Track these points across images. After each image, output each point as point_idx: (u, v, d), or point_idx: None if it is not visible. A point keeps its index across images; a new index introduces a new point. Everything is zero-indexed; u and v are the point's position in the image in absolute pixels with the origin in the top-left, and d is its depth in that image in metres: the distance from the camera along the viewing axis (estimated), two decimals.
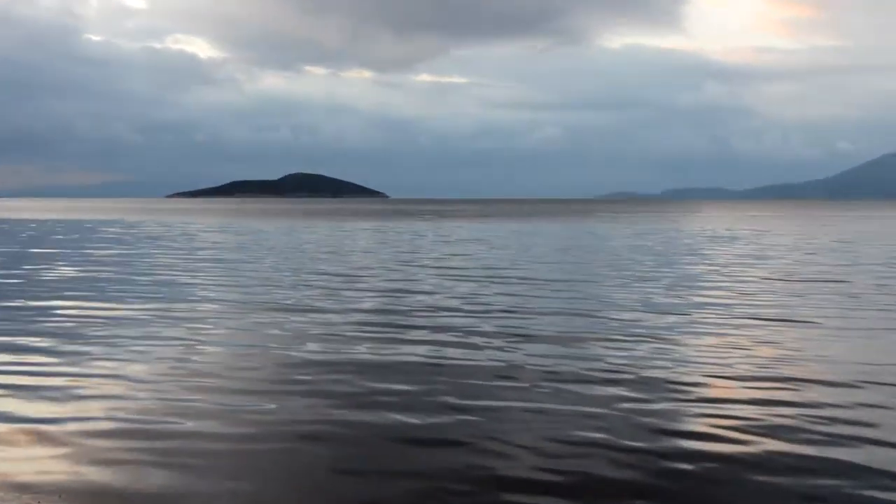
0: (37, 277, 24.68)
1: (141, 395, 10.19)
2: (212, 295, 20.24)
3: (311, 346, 13.42)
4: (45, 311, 17.44)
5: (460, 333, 14.54)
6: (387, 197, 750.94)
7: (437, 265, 28.79)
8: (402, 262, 29.96)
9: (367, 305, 18.29)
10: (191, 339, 13.92)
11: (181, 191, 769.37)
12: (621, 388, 10.42)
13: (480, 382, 10.80)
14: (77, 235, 51.78)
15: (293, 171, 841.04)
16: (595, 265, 29.15)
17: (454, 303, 18.66)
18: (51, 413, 9.34)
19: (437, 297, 19.78)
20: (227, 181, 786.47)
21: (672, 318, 16.37)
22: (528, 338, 14.07)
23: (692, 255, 34.37)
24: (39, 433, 8.60)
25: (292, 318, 16.29)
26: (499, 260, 31.42)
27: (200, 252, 35.91)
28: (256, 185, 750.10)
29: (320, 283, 23.03)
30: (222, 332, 14.89)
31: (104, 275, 25.48)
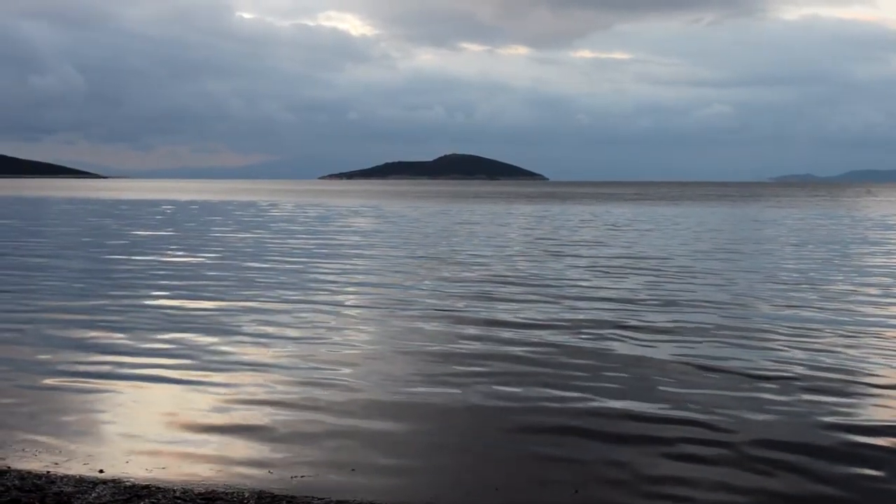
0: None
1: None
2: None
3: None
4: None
5: None
6: (545, 179, 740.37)
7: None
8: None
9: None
10: None
11: (334, 172, 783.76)
12: None
13: None
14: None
15: (447, 151, 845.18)
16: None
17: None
18: None
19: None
20: (381, 162, 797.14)
21: None
22: None
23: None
24: None
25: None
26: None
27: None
28: (410, 167, 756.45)
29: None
30: None
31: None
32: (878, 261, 24.96)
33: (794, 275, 21.14)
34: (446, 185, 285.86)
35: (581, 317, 14.72)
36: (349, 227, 42.04)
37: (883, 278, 20.50)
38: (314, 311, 15.34)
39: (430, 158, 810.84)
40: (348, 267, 22.84)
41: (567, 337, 12.93)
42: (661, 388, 9.94)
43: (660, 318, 14.57)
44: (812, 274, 21.36)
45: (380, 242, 31.60)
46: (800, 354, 11.65)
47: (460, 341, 12.61)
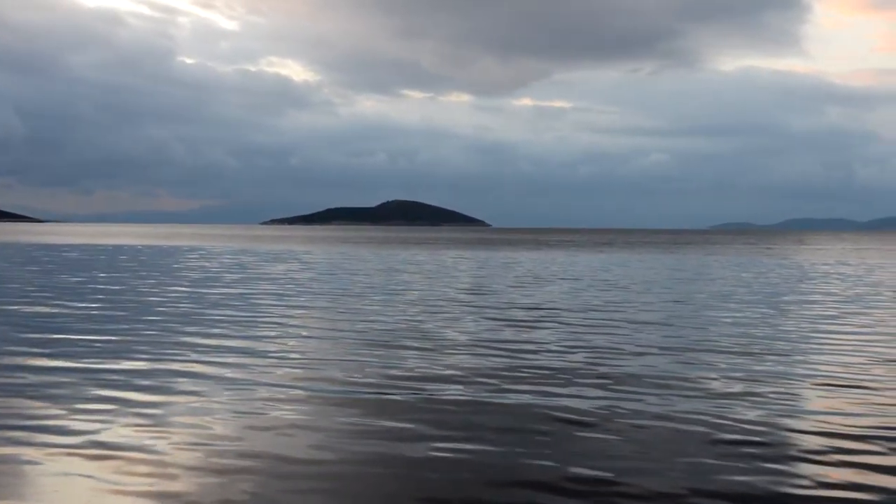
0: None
1: None
2: None
3: None
4: None
5: None
6: (488, 225, 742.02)
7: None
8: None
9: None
10: None
11: (277, 217, 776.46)
12: None
13: None
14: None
15: (390, 197, 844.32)
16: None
17: None
18: None
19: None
20: (323, 207, 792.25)
21: None
22: None
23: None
24: None
25: None
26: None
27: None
28: (353, 213, 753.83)
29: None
30: None
31: None
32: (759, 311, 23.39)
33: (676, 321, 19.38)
34: (386, 231, 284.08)
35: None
36: (250, 275, 39.62)
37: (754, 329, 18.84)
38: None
39: (372, 204, 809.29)
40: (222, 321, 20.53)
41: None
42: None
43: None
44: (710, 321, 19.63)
45: (275, 291, 29.29)
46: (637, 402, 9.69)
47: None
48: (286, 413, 10.52)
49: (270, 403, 11.04)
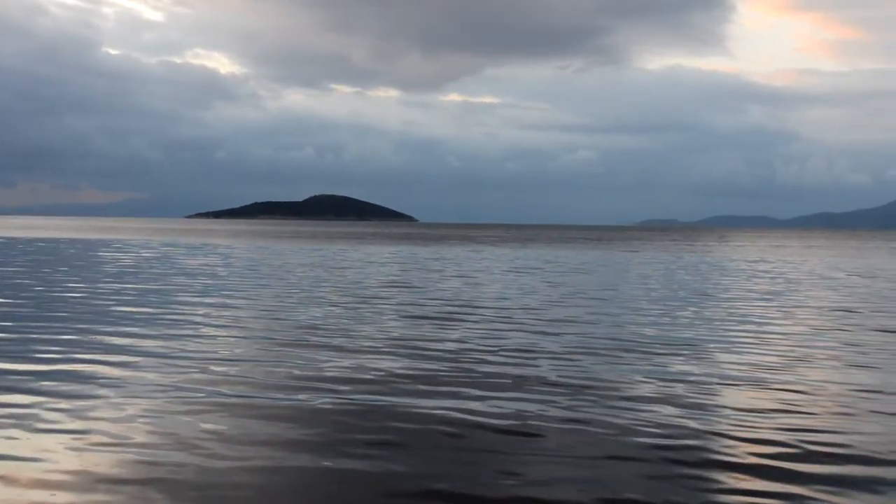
0: None
1: None
2: None
3: None
4: None
5: None
6: (415, 220, 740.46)
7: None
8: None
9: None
10: None
11: (202, 211, 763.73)
12: None
13: None
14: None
15: (318, 192, 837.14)
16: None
17: None
18: None
19: None
20: (250, 201, 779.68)
21: None
22: None
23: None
24: None
25: None
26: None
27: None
28: (280, 207, 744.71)
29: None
30: None
31: None
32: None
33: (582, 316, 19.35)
34: (313, 225, 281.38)
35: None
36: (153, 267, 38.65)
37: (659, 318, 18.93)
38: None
39: (299, 199, 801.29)
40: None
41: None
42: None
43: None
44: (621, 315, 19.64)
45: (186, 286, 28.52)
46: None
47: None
48: (181, 419, 10.03)
49: (169, 407, 10.53)
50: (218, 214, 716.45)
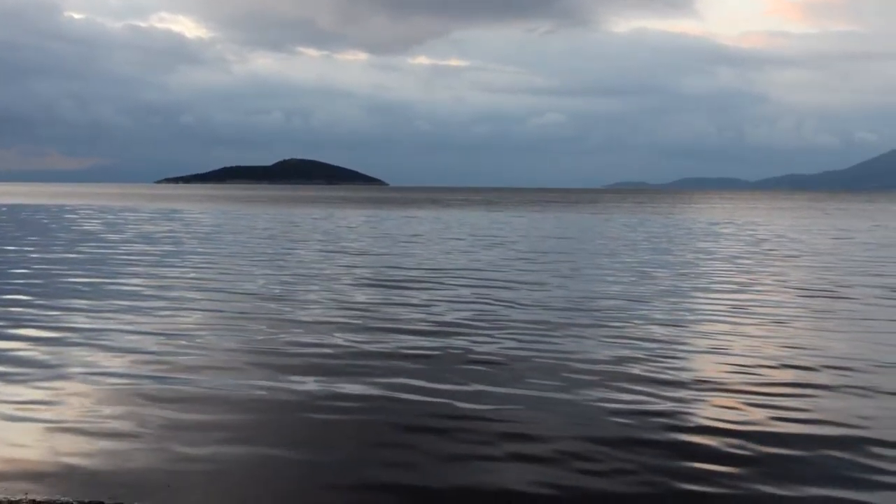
0: None
1: None
2: None
3: None
4: None
5: None
6: (385, 184, 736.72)
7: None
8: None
9: None
10: None
11: (171, 176, 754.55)
12: None
13: None
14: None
15: (287, 156, 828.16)
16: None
17: None
18: None
19: None
20: (218, 166, 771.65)
21: None
22: None
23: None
24: None
25: None
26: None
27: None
28: (249, 171, 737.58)
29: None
30: None
31: None
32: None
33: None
34: (283, 190, 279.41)
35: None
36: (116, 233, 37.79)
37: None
38: None
39: (269, 163, 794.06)
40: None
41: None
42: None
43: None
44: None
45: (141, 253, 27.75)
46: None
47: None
48: (111, 404, 9.44)
49: (98, 392, 9.94)
50: (188, 179, 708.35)
